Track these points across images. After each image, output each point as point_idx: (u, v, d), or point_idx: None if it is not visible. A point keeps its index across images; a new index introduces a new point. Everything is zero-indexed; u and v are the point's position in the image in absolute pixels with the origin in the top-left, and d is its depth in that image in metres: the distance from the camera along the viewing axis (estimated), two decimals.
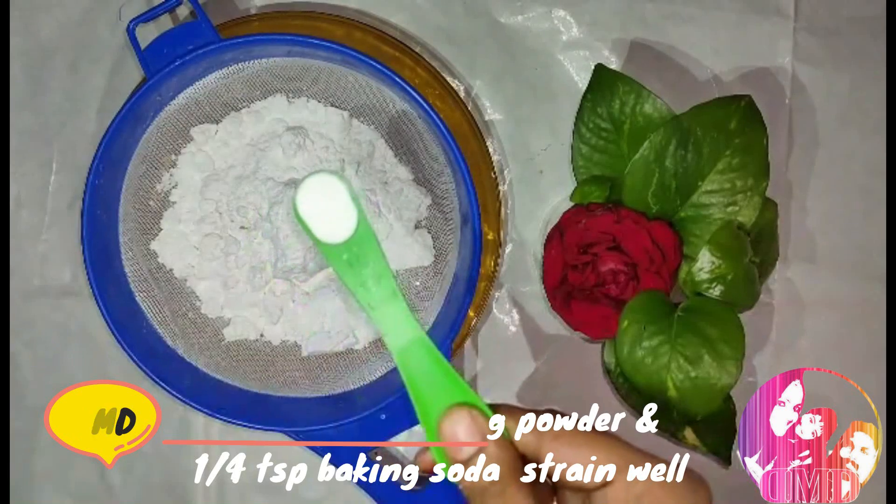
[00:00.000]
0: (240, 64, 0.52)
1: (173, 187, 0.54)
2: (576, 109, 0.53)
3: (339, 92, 0.53)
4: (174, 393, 0.50)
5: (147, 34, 0.50)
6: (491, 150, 0.55)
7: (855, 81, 0.56)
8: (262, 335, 0.54)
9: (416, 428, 0.52)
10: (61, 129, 0.56)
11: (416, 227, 0.54)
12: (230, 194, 0.53)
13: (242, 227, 0.53)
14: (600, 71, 0.52)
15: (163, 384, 0.50)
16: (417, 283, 0.54)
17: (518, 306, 0.56)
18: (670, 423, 0.51)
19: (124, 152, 0.52)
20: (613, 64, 0.55)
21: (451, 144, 0.49)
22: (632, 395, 0.52)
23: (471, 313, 0.54)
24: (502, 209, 0.55)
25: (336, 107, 0.53)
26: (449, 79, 0.55)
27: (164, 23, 0.54)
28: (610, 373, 0.53)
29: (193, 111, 0.53)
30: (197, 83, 0.52)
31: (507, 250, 0.56)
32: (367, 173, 0.53)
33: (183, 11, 0.55)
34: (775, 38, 0.56)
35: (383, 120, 0.53)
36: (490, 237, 0.54)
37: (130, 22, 0.50)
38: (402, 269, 0.54)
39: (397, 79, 0.48)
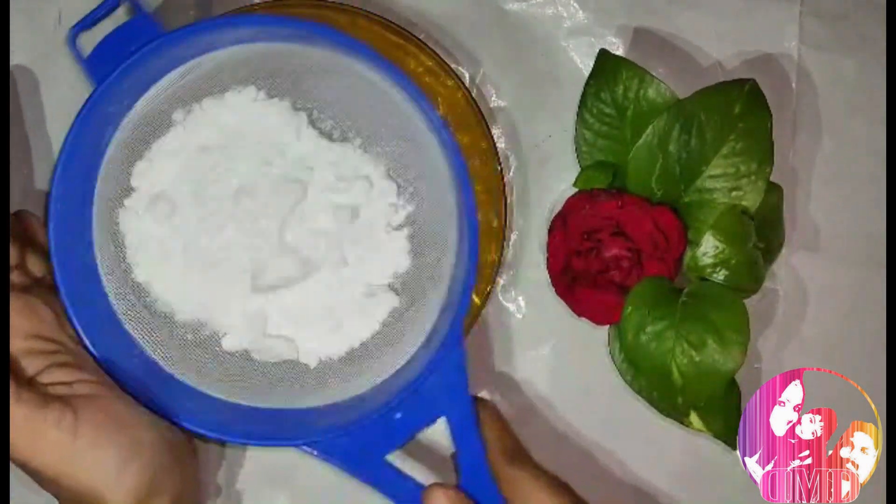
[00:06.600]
0: (201, 58, 0.47)
1: (147, 205, 0.50)
2: None
3: (310, 83, 0.50)
4: (176, 421, 0.47)
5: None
6: (496, 137, 0.55)
7: (862, 67, 0.55)
8: (259, 348, 0.51)
9: (437, 425, 0.49)
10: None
11: (411, 220, 0.52)
12: (205, 212, 0.50)
13: (223, 242, 0.50)
14: (603, 56, 0.52)
15: (163, 414, 0.46)
16: (420, 275, 0.53)
17: (524, 293, 0.56)
18: (675, 408, 0.51)
19: (87, 177, 0.48)
20: (618, 50, 0.55)
21: (439, 129, 0.47)
22: (637, 381, 0.52)
23: (476, 300, 0.54)
24: (507, 196, 0.55)
25: (305, 106, 0.50)
26: (453, 66, 0.55)
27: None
28: (614, 358, 0.53)
29: (156, 119, 0.49)
30: (156, 85, 0.48)
31: (513, 237, 0.56)
32: (359, 163, 0.51)
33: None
34: (781, 23, 0.55)
35: (368, 112, 0.51)
36: (495, 224, 0.54)
37: (71, 30, 0.46)
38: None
39: (375, 55, 0.46)
